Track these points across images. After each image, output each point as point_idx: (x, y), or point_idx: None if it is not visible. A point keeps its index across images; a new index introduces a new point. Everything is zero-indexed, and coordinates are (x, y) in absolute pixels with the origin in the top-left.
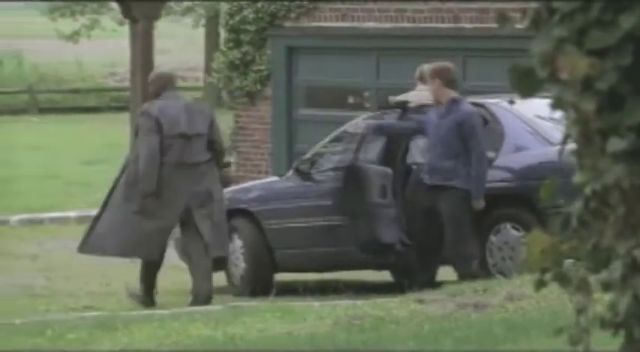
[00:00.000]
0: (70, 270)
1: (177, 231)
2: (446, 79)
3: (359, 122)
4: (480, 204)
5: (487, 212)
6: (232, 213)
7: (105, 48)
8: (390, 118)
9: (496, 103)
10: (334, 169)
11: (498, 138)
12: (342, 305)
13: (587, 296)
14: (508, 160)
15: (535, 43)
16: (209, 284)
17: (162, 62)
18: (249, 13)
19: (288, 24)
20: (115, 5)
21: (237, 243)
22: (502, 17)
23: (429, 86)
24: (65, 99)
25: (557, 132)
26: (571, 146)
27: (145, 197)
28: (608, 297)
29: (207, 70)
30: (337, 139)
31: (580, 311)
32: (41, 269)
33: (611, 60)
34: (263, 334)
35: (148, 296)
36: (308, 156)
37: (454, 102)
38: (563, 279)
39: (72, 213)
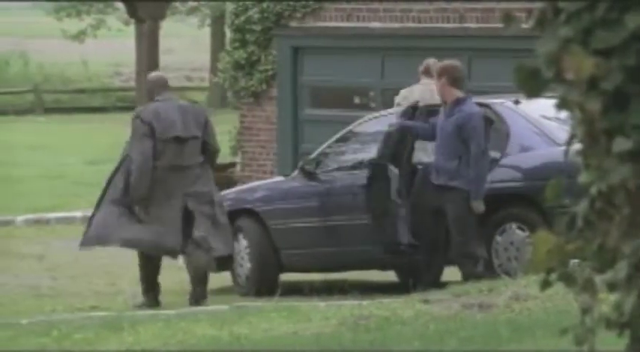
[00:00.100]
0: (75, 270)
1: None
2: (452, 78)
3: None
4: (479, 205)
5: (492, 212)
6: (238, 213)
7: (110, 48)
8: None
9: (501, 103)
10: (353, 167)
11: (504, 138)
12: (348, 306)
13: (593, 297)
14: (513, 160)
15: (540, 43)
16: (204, 284)
17: (168, 62)
18: (254, 12)
19: (293, 24)
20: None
21: (243, 243)
22: (508, 17)
23: (435, 82)
24: (71, 99)
25: (562, 133)
26: (576, 146)
27: (136, 203)
28: (613, 297)
29: (213, 70)
30: (343, 139)
31: (585, 311)
32: (47, 269)
33: (616, 60)
34: (268, 334)
35: (148, 294)
36: (313, 156)
37: (457, 102)
38: (568, 279)
39: (78, 213)
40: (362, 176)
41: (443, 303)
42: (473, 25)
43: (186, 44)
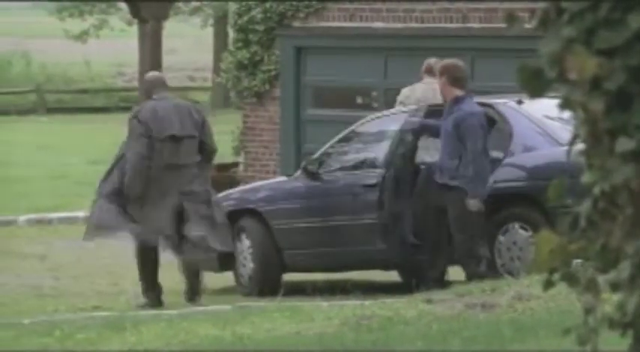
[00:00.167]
0: (78, 270)
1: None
2: (452, 77)
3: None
4: (474, 204)
5: (495, 212)
6: (241, 213)
7: (113, 48)
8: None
9: (504, 103)
10: (355, 167)
11: (507, 138)
12: (350, 305)
13: (596, 297)
14: (516, 160)
15: (544, 43)
16: (197, 281)
17: (171, 62)
18: (257, 13)
19: (296, 24)
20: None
21: (246, 243)
22: (511, 17)
23: (437, 81)
24: (73, 99)
25: (565, 132)
26: (579, 146)
27: (132, 202)
28: (616, 297)
29: (216, 70)
30: (346, 139)
31: (588, 311)
32: (49, 269)
33: (619, 60)
34: (271, 334)
35: (148, 294)
36: (316, 156)
37: (456, 101)
38: (571, 279)
39: (80, 213)
40: (367, 176)
41: (446, 303)
42: (476, 25)
43: (189, 44)
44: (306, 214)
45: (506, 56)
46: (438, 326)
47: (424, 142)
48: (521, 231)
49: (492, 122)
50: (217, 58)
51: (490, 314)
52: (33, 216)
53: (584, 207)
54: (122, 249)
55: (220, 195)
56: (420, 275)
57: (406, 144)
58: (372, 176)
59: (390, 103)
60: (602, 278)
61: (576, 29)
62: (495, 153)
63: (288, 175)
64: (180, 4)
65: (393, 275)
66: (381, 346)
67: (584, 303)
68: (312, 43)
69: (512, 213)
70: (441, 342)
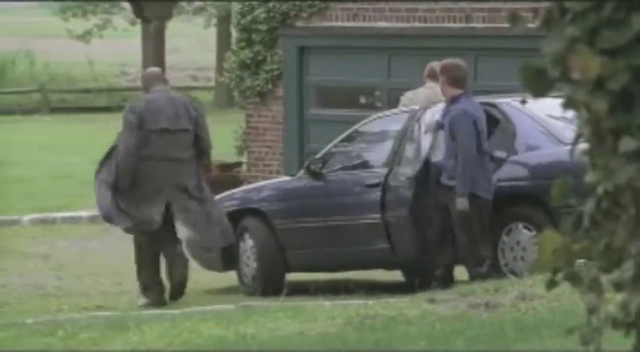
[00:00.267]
0: (81, 270)
1: (186, 231)
2: (451, 77)
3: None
4: (461, 202)
5: (499, 211)
6: (244, 213)
7: (116, 48)
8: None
9: (508, 103)
10: (358, 167)
11: (510, 137)
12: (354, 305)
13: (599, 296)
14: (520, 160)
15: (547, 43)
16: (183, 273)
17: (174, 62)
18: (260, 12)
19: (299, 24)
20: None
21: (249, 243)
22: (514, 17)
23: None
24: (77, 98)
25: (569, 132)
26: (583, 146)
27: (124, 190)
28: (620, 297)
29: (219, 69)
30: (349, 139)
31: (592, 311)
32: (53, 268)
33: (623, 59)
34: (274, 333)
35: (147, 293)
36: (319, 155)
37: (453, 100)
38: (574, 279)
39: (83, 213)
40: (370, 175)
41: (449, 303)
42: (479, 25)
43: (192, 44)
44: (309, 214)
45: (509, 56)
46: (441, 325)
47: (438, 141)
48: (525, 231)
49: (495, 122)
50: (220, 58)
51: (493, 314)
52: (37, 215)
53: (588, 206)
54: (125, 248)
55: (223, 194)
56: (423, 275)
57: (377, 146)
58: (375, 176)
59: (393, 103)
60: (605, 278)
61: (580, 29)
62: (499, 153)
63: (291, 175)
64: (183, 4)
65: (396, 275)
66: (384, 346)
67: (587, 303)
68: (315, 43)
69: (515, 212)
70: (444, 342)
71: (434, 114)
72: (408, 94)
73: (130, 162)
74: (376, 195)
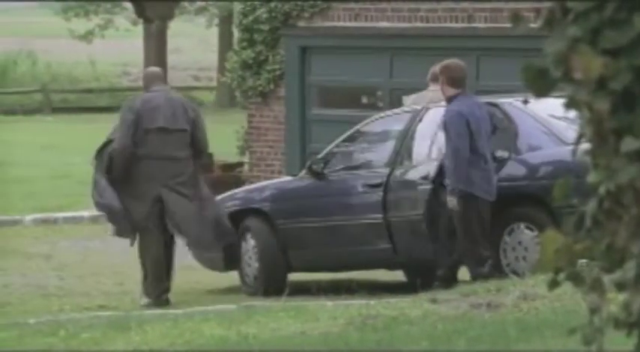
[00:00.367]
0: (83, 270)
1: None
2: (449, 77)
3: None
4: (450, 201)
5: (501, 212)
6: (246, 213)
7: (118, 48)
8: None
9: (510, 103)
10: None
11: (512, 137)
12: (355, 305)
13: (601, 296)
14: (522, 160)
15: (549, 43)
16: (169, 279)
17: (176, 62)
18: (262, 12)
19: (301, 24)
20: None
21: (251, 243)
22: (516, 17)
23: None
24: (78, 98)
25: (571, 132)
26: (585, 146)
27: (116, 181)
28: (622, 297)
29: (221, 69)
30: (351, 139)
31: (594, 311)
32: (55, 268)
33: (625, 60)
34: (276, 333)
35: (149, 294)
36: (321, 155)
37: (449, 100)
38: (576, 279)
39: (85, 213)
40: (372, 175)
41: (451, 303)
42: (481, 25)
43: (194, 44)
44: (311, 214)
45: (511, 56)
46: (443, 325)
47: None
48: (527, 231)
49: (493, 129)
50: (222, 58)
51: (495, 314)
52: (39, 215)
53: (590, 206)
54: (127, 248)
55: (225, 194)
56: (425, 275)
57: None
58: (377, 176)
59: (395, 103)
60: (607, 278)
61: (582, 29)
62: (500, 153)
63: (293, 175)
64: (185, 4)
65: (398, 275)
66: (386, 346)
67: (589, 303)
68: (317, 43)
69: (517, 212)
70: (446, 342)
71: (435, 114)
72: (413, 97)
73: (124, 158)
74: (378, 195)
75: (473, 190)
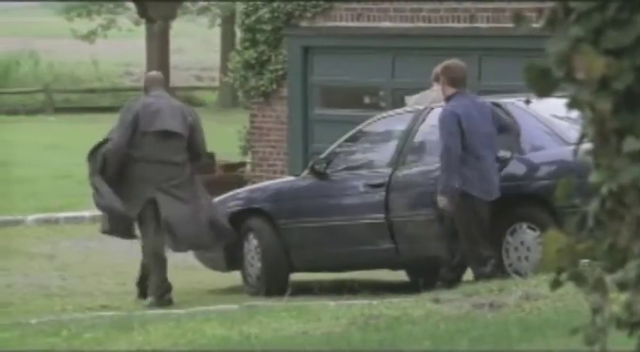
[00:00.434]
0: (85, 270)
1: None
2: (449, 77)
3: None
4: (441, 201)
5: (503, 212)
6: (248, 213)
7: (121, 48)
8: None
9: (512, 103)
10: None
11: (514, 137)
12: (358, 305)
13: (604, 296)
14: (524, 160)
15: (551, 43)
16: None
17: (178, 62)
18: (265, 12)
19: (303, 24)
20: (131, 5)
21: (253, 243)
22: (518, 17)
23: None
24: (81, 98)
25: (573, 132)
26: (587, 146)
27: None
28: (624, 297)
29: (223, 69)
30: (353, 139)
31: (596, 311)
32: (57, 268)
33: (627, 59)
34: (278, 333)
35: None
36: (324, 155)
37: (448, 100)
38: (579, 279)
39: (87, 213)
40: (374, 175)
41: (453, 303)
42: (483, 25)
43: (197, 44)
44: (313, 214)
45: (513, 56)
46: (446, 325)
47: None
48: (529, 231)
49: (498, 130)
50: (225, 58)
51: (498, 314)
52: (41, 215)
53: (592, 206)
54: (129, 248)
55: (227, 194)
56: (428, 275)
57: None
58: (379, 176)
59: (397, 103)
60: (609, 278)
61: (584, 29)
62: (502, 153)
63: (295, 175)
64: (187, 4)
65: (400, 275)
66: (389, 346)
67: (591, 303)
68: (320, 43)
69: (519, 212)
70: (449, 342)
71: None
72: (416, 97)
73: (117, 159)
74: (380, 195)
75: (468, 189)
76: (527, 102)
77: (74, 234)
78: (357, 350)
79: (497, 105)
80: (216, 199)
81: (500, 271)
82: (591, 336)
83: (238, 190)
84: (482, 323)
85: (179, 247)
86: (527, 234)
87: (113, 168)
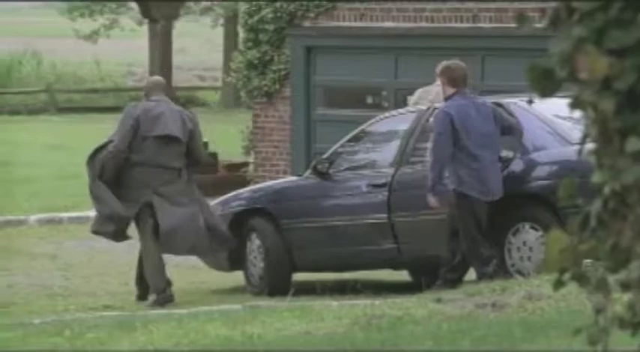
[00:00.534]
0: (88, 270)
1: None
2: (449, 77)
3: None
4: (429, 199)
5: (505, 212)
6: (251, 213)
7: (123, 48)
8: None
9: (515, 103)
10: (365, 167)
11: (517, 137)
12: (360, 305)
13: (606, 296)
14: (527, 160)
15: (554, 43)
16: (163, 280)
17: (181, 62)
18: (267, 12)
19: (306, 24)
20: (134, 5)
21: (256, 243)
22: (521, 17)
23: None
24: (84, 98)
25: (575, 132)
26: (590, 146)
27: (104, 182)
28: (626, 297)
29: (226, 69)
30: (356, 139)
31: (599, 311)
32: (60, 268)
33: (630, 59)
34: (281, 333)
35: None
36: (326, 155)
37: (447, 100)
38: (581, 279)
39: (90, 213)
40: (377, 175)
41: (456, 303)
42: (486, 25)
43: (199, 44)
44: (316, 214)
45: (516, 56)
46: (448, 325)
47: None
48: (532, 231)
49: (501, 132)
50: (227, 58)
51: (500, 314)
52: (44, 215)
53: (595, 206)
54: (131, 249)
55: (230, 194)
56: (430, 275)
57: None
58: (382, 176)
59: (400, 103)
60: (612, 278)
61: (587, 29)
62: (505, 153)
63: (298, 175)
64: (190, 4)
65: (403, 275)
66: (391, 346)
67: (594, 303)
68: (323, 43)
69: (522, 212)
70: (451, 342)
71: None
72: (419, 92)
73: (116, 162)
74: (383, 195)
75: (464, 189)
76: (530, 102)
77: (78, 234)
78: (359, 350)
79: (499, 105)
80: (219, 199)
81: (503, 271)
82: (594, 336)
83: (241, 190)
84: (484, 323)
85: (177, 251)
86: (530, 234)
87: (111, 172)
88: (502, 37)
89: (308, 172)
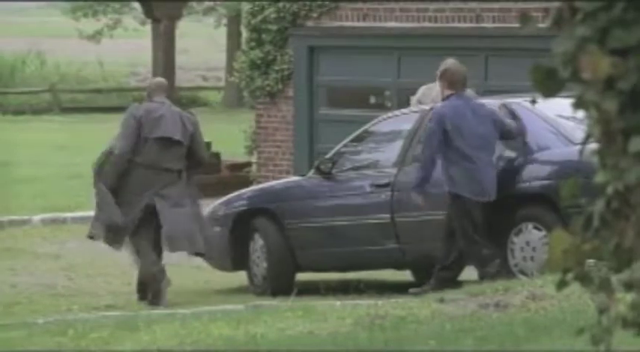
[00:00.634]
0: (92, 270)
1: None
2: (448, 79)
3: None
4: (415, 198)
5: (509, 212)
6: (254, 213)
7: (127, 48)
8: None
9: (518, 103)
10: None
11: (520, 137)
12: (364, 305)
13: (609, 296)
14: (530, 160)
15: (557, 43)
16: (159, 285)
17: (184, 62)
18: (270, 12)
19: (309, 23)
20: (137, 5)
21: (259, 243)
22: (524, 17)
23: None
24: (87, 98)
25: (579, 132)
26: (593, 146)
27: (108, 188)
28: (630, 297)
29: (229, 69)
30: (358, 139)
31: (602, 311)
32: (63, 268)
33: (633, 59)
34: (284, 333)
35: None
36: (329, 155)
37: (444, 100)
38: (585, 279)
39: (93, 213)
40: (380, 175)
41: (459, 303)
42: (489, 25)
43: (202, 44)
44: (319, 214)
45: (519, 56)
46: (451, 325)
47: None
48: (535, 231)
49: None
50: (230, 58)
51: (503, 314)
52: (47, 215)
53: (598, 206)
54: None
55: (233, 194)
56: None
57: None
58: (385, 176)
59: (403, 103)
60: (615, 278)
61: (590, 29)
62: (508, 153)
63: (301, 175)
64: (193, 4)
65: (406, 275)
66: (394, 346)
67: (597, 303)
68: (325, 43)
69: (525, 212)
70: (454, 342)
71: None
72: (423, 89)
73: (120, 165)
74: (386, 195)
75: (457, 190)
76: (533, 102)
77: (81, 234)
78: (363, 350)
79: (502, 105)
80: (222, 199)
81: (506, 271)
82: (597, 336)
83: (244, 190)
84: (487, 323)
85: (176, 248)
86: (533, 234)
87: (114, 175)
88: (505, 37)
89: (311, 172)
